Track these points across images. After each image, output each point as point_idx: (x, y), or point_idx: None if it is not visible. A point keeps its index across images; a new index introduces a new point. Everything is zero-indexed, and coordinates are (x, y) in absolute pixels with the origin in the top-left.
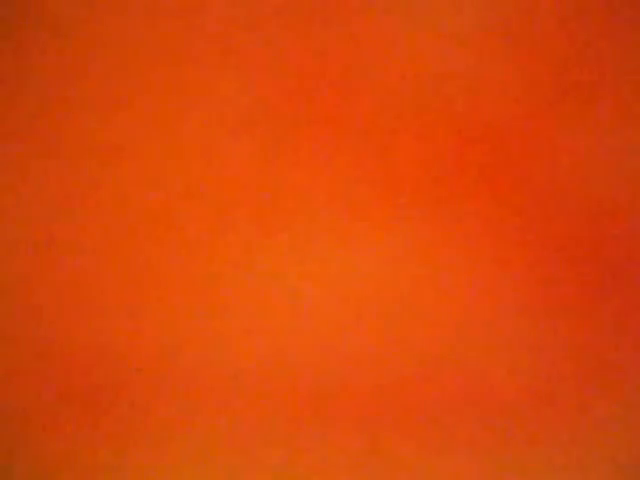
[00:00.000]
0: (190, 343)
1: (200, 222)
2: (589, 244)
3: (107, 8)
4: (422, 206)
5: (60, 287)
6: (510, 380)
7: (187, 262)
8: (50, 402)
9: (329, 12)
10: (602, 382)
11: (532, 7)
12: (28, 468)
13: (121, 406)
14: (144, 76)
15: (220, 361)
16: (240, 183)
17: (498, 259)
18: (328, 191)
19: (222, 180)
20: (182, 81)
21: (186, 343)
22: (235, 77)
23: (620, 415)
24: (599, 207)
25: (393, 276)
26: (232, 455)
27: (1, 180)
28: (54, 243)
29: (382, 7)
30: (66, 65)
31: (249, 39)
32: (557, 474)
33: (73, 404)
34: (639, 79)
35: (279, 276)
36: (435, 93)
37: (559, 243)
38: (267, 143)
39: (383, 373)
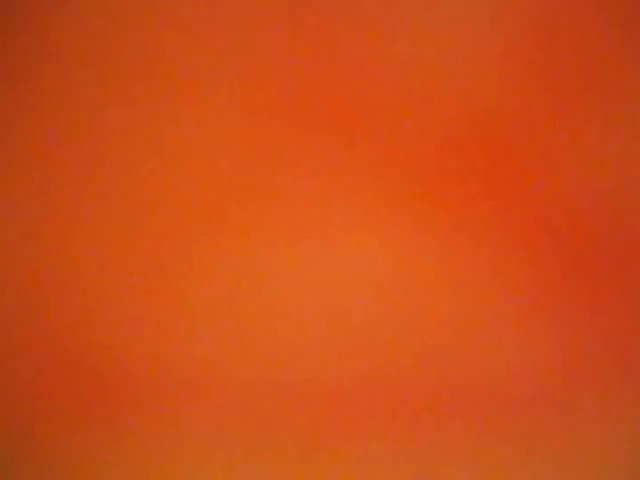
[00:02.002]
0: (189, 343)
1: (195, 224)
2: (589, 247)
3: (94, 6)
4: (418, 207)
5: (60, 287)
6: (509, 378)
7: (184, 262)
8: (49, 401)
9: (324, 12)
10: (599, 382)
11: (533, 7)
12: (28, 467)
13: (121, 405)
14: (135, 74)
15: (219, 361)
16: (233, 185)
17: (496, 259)
18: (325, 193)
19: (214, 181)
20: (175, 81)
21: (184, 343)
22: (228, 77)
23: (616, 413)
24: (599, 210)
25: (391, 277)
26: (231, 453)
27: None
28: (51, 243)
29: (378, 7)
30: (60, 66)
31: (244, 39)
32: (554, 470)
33: (72, 403)
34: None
35: (276, 276)
36: (432, 93)
37: (558, 244)
38: (260, 144)
39: (385, 373)
